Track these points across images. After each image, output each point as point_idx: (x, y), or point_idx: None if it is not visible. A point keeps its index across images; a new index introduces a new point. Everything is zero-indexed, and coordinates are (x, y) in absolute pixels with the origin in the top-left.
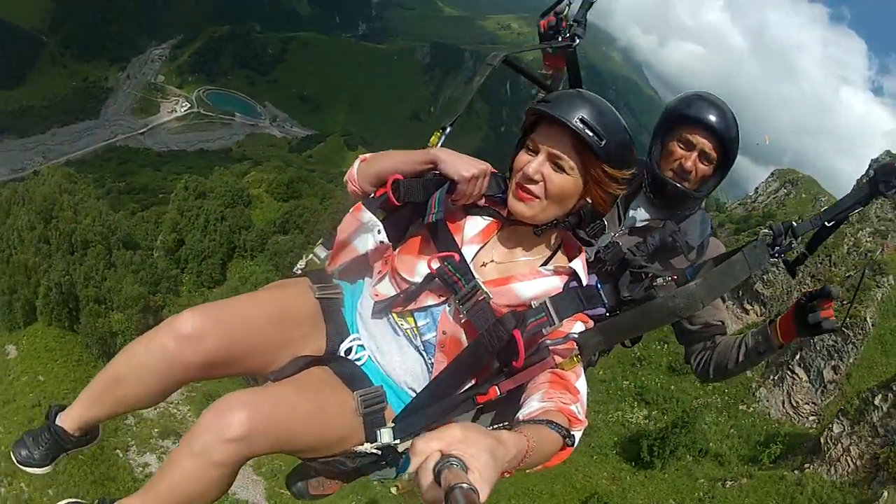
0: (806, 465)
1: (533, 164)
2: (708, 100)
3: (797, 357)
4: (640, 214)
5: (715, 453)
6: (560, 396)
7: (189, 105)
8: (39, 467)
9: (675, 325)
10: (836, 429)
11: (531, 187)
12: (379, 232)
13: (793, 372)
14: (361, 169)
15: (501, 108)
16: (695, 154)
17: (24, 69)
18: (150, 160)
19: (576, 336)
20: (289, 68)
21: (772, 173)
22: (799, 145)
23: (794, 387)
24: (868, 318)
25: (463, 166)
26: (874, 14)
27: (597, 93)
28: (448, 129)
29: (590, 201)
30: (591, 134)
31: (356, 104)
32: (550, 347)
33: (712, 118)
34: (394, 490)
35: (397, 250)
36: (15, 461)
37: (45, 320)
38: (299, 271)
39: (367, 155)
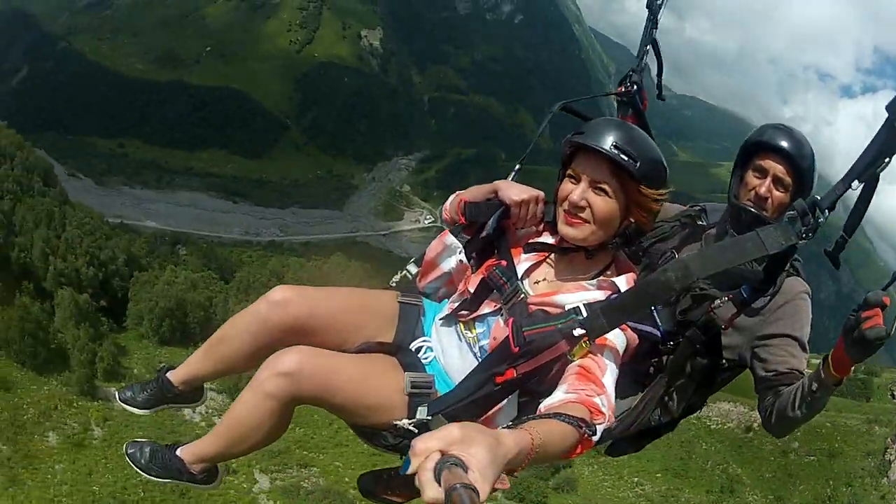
0: None
1: (577, 191)
2: (779, 127)
3: None
4: None
5: None
6: (584, 388)
7: (433, 219)
8: (139, 408)
9: (753, 373)
10: None
11: (580, 214)
12: (460, 252)
13: None
14: (452, 201)
15: None
16: (768, 180)
17: (264, 145)
18: (392, 263)
19: (581, 319)
20: None
21: None
22: None
23: None
24: None
25: (514, 192)
26: None
27: (819, 243)
28: (518, 167)
29: (633, 221)
30: (625, 158)
31: None
32: (561, 331)
33: (783, 143)
34: None
35: (475, 272)
36: (117, 398)
37: None
38: (393, 284)
39: (460, 192)
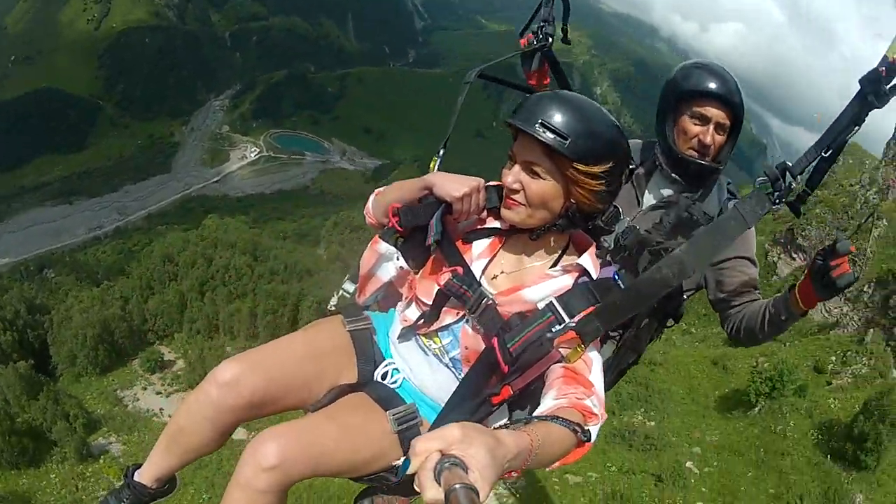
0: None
1: (511, 174)
2: (709, 69)
3: None
4: (657, 193)
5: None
6: (573, 392)
7: (258, 150)
8: None
9: (710, 296)
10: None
11: (514, 196)
12: (398, 259)
13: None
14: (375, 202)
15: None
16: (711, 127)
17: (83, 134)
18: (232, 206)
19: (573, 325)
20: (349, 104)
21: None
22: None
23: None
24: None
25: (453, 186)
26: None
27: (648, 84)
28: (441, 153)
29: (574, 202)
30: (551, 136)
31: (419, 129)
32: (551, 339)
33: (720, 88)
34: None
35: (419, 274)
36: None
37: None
38: (333, 308)
39: (381, 189)
